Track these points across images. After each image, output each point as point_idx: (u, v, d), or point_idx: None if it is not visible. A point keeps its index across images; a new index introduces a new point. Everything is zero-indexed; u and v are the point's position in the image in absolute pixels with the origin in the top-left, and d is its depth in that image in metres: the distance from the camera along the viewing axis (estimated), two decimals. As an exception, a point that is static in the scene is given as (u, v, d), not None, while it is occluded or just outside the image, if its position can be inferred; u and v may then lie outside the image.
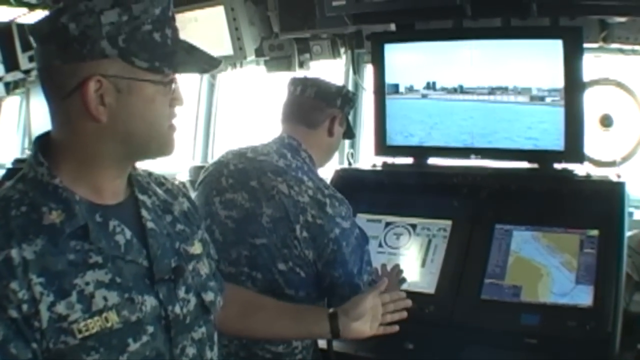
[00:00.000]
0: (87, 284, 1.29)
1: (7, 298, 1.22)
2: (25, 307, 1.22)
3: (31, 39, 1.40)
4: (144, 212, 1.47)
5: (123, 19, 1.33)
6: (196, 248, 1.59)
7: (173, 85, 1.42)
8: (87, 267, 1.31)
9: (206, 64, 1.46)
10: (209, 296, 1.55)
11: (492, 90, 3.06)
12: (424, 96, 3.21)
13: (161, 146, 1.44)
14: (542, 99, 2.95)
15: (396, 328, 2.12)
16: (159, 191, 1.58)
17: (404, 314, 2.13)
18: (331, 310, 2.04)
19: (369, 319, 2.03)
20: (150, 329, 1.36)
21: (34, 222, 1.29)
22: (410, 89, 3.24)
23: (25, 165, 1.39)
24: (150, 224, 1.46)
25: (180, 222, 1.58)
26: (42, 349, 1.24)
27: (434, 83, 3.18)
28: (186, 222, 1.60)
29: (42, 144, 1.40)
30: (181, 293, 1.46)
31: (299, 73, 4.02)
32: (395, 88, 3.28)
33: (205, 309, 1.53)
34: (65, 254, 1.29)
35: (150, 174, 1.62)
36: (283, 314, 2.04)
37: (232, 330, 1.95)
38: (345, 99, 2.55)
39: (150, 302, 1.37)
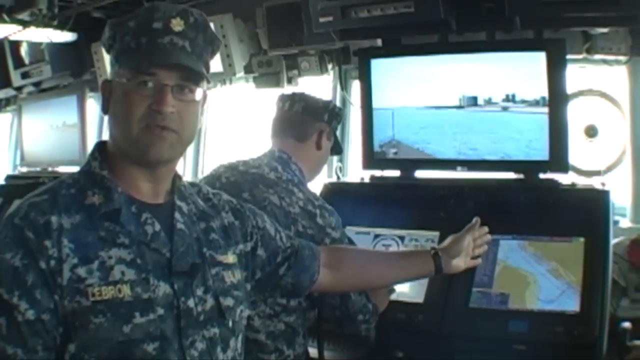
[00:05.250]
0: (110, 257, 1.46)
1: (40, 252, 1.41)
2: (52, 262, 1.41)
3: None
4: (177, 215, 1.62)
5: (116, 34, 1.58)
6: (228, 258, 1.70)
7: (148, 85, 1.51)
8: (114, 245, 1.48)
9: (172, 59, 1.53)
10: (227, 301, 1.63)
11: (477, 103, 3.10)
12: (413, 109, 3.25)
13: (136, 147, 1.53)
14: (527, 110, 2.99)
15: (479, 261, 2.36)
16: (200, 202, 1.72)
17: (485, 248, 2.35)
18: (433, 251, 2.23)
19: (464, 254, 2.25)
20: (161, 311, 1.48)
21: (77, 201, 1.50)
22: (398, 103, 3.28)
23: (85, 161, 1.62)
24: (179, 225, 1.60)
25: (215, 233, 1.71)
26: (60, 304, 1.41)
27: (421, 96, 3.22)
28: (222, 235, 1.73)
29: (104, 144, 1.63)
30: (199, 291, 1.57)
31: (288, 89, 4.05)
32: (384, 102, 3.33)
33: (221, 312, 1.61)
34: (98, 230, 1.48)
35: (200, 190, 1.78)
36: (393, 263, 2.23)
37: (350, 287, 2.23)
38: (332, 114, 2.60)
39: (164, 288, 1.51)
